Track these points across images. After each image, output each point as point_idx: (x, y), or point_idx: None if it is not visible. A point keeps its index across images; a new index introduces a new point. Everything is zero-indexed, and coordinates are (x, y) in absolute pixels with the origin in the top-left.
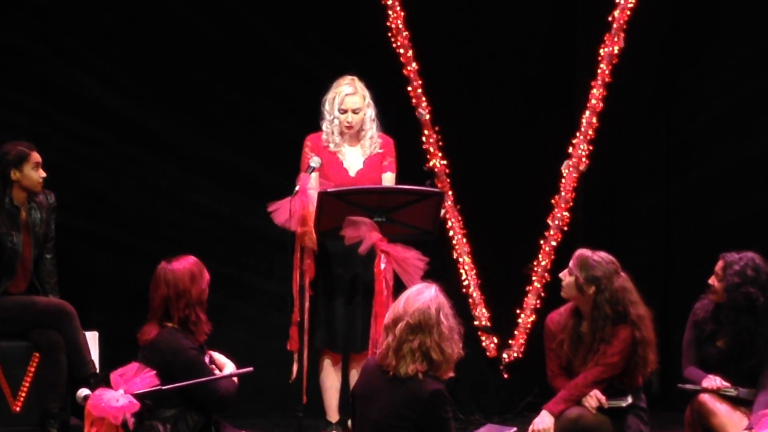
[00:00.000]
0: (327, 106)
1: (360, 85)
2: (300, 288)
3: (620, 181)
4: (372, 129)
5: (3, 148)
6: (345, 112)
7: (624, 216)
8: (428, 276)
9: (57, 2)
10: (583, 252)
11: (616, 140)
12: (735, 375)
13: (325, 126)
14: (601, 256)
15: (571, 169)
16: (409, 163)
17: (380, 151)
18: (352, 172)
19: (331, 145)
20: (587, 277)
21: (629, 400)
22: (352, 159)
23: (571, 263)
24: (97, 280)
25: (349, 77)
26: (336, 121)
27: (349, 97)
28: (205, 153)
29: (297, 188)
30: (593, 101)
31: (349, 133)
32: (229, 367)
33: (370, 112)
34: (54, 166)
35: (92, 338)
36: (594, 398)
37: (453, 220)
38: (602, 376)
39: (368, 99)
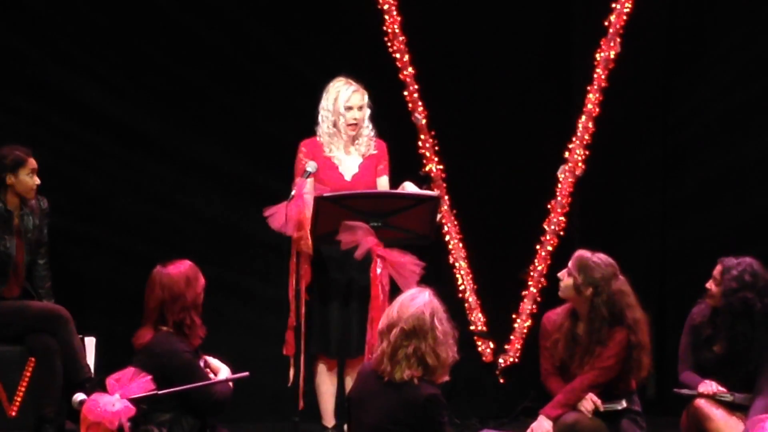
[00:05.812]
0: (330, 107)
1: (358, 84)
2: (296, 293)
3: (617, 185)
4: (369, 128)
5: (0, 152)
6: (351, 109)
7: (620, 221)
8: (424, 281)
9: (54, 5)
10: (582, 253)
11: (613, 145)
12: (731, 380)
13: (324, 128)
14: (601, 258)
15: (567, 173)
16: (406, 167)
17: (374, 152)
18: (347, 177)
19: (327, 150)
20: (585, 279)
21: (624, 403)
22: (348, 163)
23: (570, 264)
24: (93, 285)
25: (344, 78)
26: (341, 119)
27: (355, 94)
28: (201, 157)
29: (293, 193)
30: (589, 106)
31: (352, 133)
32: (224, 371)
33: (369, 112)
34: (50, 170)
35: (90, 344)
36: (590, 401)
37: (449, 224)
38: (598, 380)
39: (367, 97)
